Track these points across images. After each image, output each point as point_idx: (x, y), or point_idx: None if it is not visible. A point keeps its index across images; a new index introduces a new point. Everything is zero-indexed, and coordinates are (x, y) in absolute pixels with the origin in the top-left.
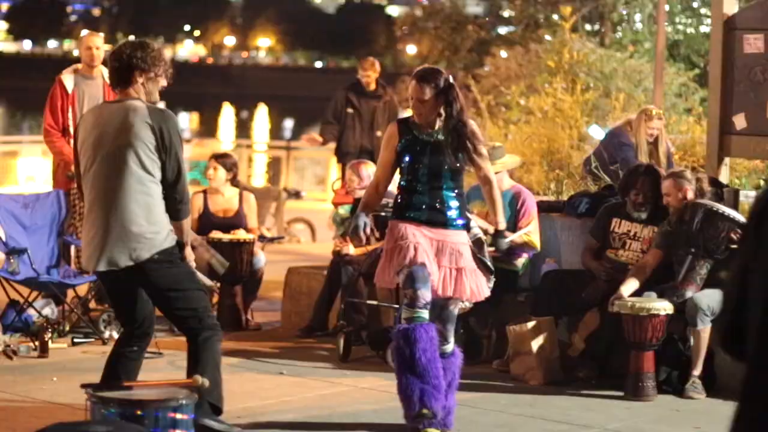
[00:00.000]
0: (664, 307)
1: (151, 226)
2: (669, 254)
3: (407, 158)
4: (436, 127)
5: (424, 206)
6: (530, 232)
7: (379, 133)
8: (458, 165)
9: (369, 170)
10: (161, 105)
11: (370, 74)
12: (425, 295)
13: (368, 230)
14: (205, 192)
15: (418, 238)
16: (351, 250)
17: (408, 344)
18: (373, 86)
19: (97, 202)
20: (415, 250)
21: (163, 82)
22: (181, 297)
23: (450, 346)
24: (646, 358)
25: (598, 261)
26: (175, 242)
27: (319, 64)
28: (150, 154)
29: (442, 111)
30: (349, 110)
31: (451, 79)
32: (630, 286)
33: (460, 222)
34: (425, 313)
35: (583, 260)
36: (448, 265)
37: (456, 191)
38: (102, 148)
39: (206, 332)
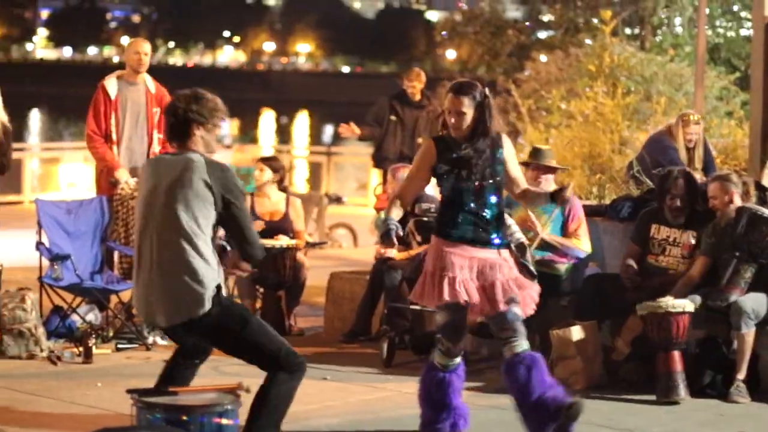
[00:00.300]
0: (683, 304)
1: (196, 286)
2: (715, 259)
3: (446, 177)
4: (473, 141)
5: (466, 225)
6: (577, 234)
7: (420, 141)
8: (498, 179)
9: None
10: (222, 153)
11: (415, 85)
12: (461, 346)
13: (400, 232)
14: (252, 195)
15: (461, 268)
16: (394, 254)
17: (438, 387)
18: (418, 97)
19: (146, 256)
20: (453, 282)
21: (219, 131)
22: (240, 339)
23: (523, 343)
24: (672, 359)
25: (626, 266)
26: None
27: (346, 69)
28: (204, 211)
29: (478, 123)
30: (392, 117)
31: (486, 92)
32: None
33: (498, 241)
34: (458, 360)
35: (621, 265)
36: (490, 280)
37: (497, 206)
38: (154, 202)
39: (276, 371)
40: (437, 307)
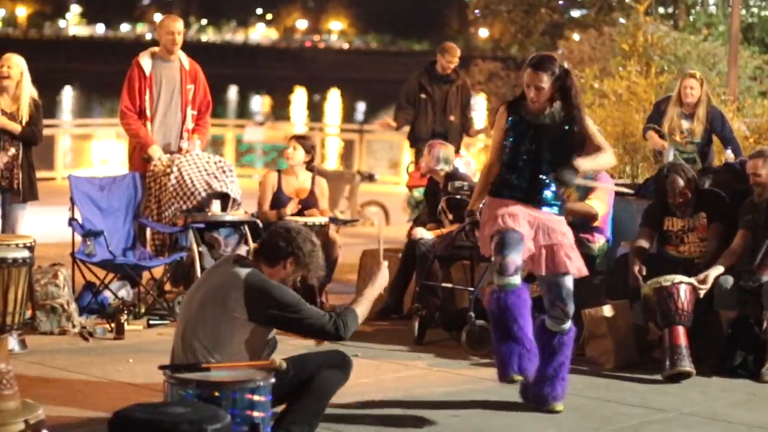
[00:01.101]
0: (681, 279)
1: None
2: (754, 233)
3: (511, 138)
4: (546, 112)
5: (520, 187)
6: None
7: (452, 118)
8: (566, 152)
9: (443, 151)
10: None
11: (451, 60)
12: (515, 260)
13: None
14: (279, 172)
15: (514, 209)
16: (425, 234)
17: (501, 312)
18: (449, 71)
19: None
20: (507, 217)
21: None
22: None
23: (568, 324)
24: (677, 333)
25: (637, 258)
26: None
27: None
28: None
29: (556, 98)
30: (422, 95)
31: (566, 65)
32: (717, 269)
33: (555, 204)
34: (516, 279)
35: (630, 254)
36: (549, 241)
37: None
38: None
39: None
40: (491, 236)
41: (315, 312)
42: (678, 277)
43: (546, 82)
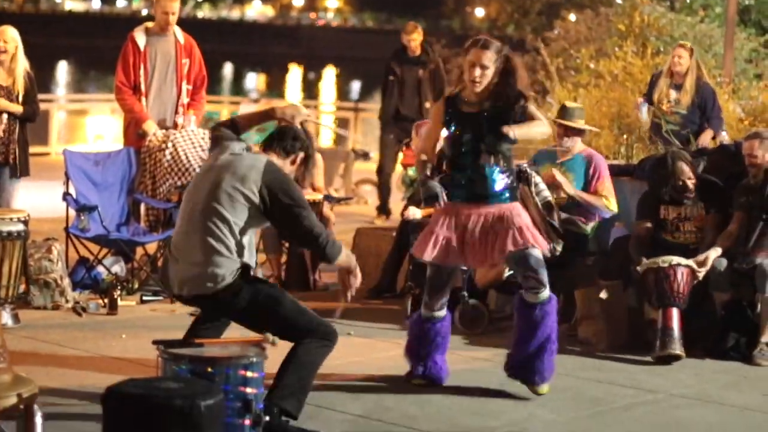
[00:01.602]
0: (680, 261)
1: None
2: (749, 215)
3: (451, 131)
4: (485, 102)
5: (465, 185)
6: (605, 194)
7: (428, 105)
8: (508, 139)
9: None
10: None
11: (414, 37)
12: (441, 300)
13: (444, 197)
14: None
15: (448, 228)
16: (417, 213)
17: (423, 335)
18: (418, 51)
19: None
20: (441, 250)
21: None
22: (273, 317)
23: (546, 292)
24: (670, 315)
25: (637, 250)
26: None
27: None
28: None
29: (496, 79)
30: (390, 78)
31: (508, 50)
32: (715, 251)
33: (503, 194)
34: (441, 313)
35: (631, 245)
36: (504, 227)
37: (502, 164)
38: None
39: (308, 339)
40: (429, 261)
41: (315, 217)
42: (676, 259)
43: (490, 60)
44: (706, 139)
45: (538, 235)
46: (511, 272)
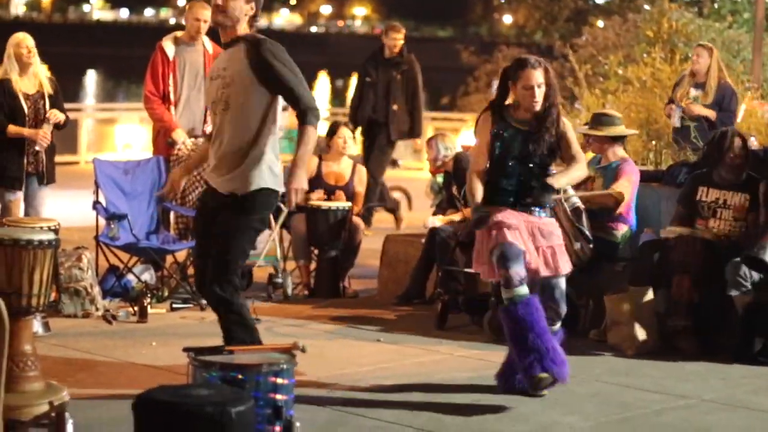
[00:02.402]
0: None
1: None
2: None
3: (498, 145)
4: (530, 115)
5: (512, 191)
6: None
7: (395, 107)
8: (549, 152)
9: (440, 142)
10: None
11: (398, 38)
12: (519, 272)
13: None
14: (320, 156)
15: (509, 218)
16: (436, 222)
17: (515, 323)
18: (396, 50)
19: None
20: (505, 230)
21: None
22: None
23: (558, 325)
24: (684, 282)
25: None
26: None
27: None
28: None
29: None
30: (367, 79)
31: (548, 66)
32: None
33: (546, 208)
34: (523, 289)
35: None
36: (544, 244)
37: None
38: None
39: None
40: (491, 251)
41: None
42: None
43: (543, 78)
44: (700, 110)
45: (567, 258)
46: None
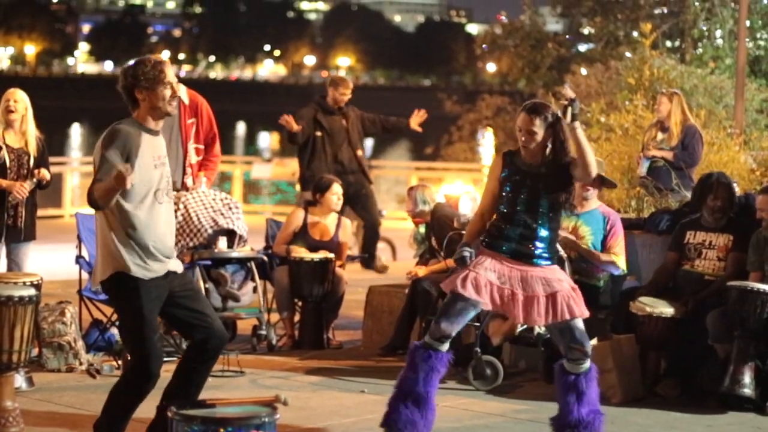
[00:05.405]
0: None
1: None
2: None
3: (507, 188)
4: (540, 161)
5: (514, 239)
6: (616, 253)
7: (360, 152)
8: (559, 201)
9: (420, 194)
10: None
11: (347, 92)
12: (446, 330)
13: (473, 258)
14: (306, 210)
15: (487, 266)
16: (419, 272)
17: (415, 364)
18: (343, 104)
19: None
20: (471, 283)
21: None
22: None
23: (588, 362)
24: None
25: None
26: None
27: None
28: None
29: (549, 144)
30: (318, 134)
31: (559, 113)
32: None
33: (545, 257)
34: (441, 346)
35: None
36: (542, 293)
37: (550, 225)
38: None
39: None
40: (449, 291)
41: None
42: (662, 308)
43: (538, 126)
44: (655, 151)
45: (581, 301)
46: (524, 326)
